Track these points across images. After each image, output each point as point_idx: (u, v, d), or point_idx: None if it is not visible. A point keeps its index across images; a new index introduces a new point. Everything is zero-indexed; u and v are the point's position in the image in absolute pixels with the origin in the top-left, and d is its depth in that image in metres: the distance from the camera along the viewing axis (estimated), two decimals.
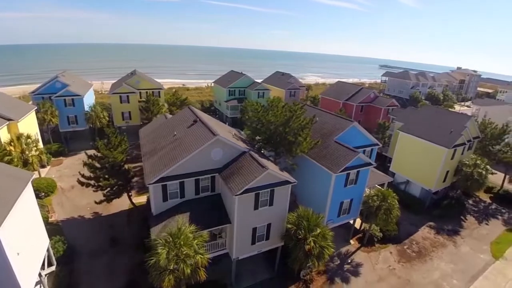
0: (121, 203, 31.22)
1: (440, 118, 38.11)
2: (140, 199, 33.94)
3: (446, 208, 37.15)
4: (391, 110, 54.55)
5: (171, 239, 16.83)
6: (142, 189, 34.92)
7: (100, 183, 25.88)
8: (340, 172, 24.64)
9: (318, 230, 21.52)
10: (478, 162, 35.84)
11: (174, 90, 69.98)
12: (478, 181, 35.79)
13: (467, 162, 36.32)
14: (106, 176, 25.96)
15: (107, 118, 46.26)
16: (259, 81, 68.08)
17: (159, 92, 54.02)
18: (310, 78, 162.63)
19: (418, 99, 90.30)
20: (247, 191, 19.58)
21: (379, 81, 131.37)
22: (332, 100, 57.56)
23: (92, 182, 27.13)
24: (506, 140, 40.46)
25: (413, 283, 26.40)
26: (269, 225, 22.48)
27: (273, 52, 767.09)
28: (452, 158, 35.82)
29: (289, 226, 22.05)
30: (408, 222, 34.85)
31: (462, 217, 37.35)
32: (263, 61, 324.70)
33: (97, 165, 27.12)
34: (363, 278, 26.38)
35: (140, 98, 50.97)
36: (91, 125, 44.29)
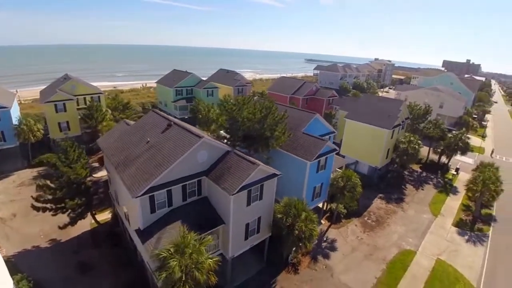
0: (81, 224, 27.95)
1: (378, 105, 43.86)
2: (103, 216, 31.01)
3: (390, 181, 43.37)
4: (331, 100, 60.18)
5: (177, 249, 16.30)
6: (101, 205, 31.76)
7: (64, 205, 22.91)
8: (314, 159, 26.80)
9: (304, 215, 23.23)
10: (412, 139, 42.59)
11: (115, 94, 63.99)
12: (413, 155, 42.54)
13: (403, 140, 42.79)
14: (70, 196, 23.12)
15: (42, 131, 40.07)
16: (204, 79, 67.04)
17: (99, 97, 48.95)
18: (246, 75, 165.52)
19: (347, 89, 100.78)
20: (241, 189, 19.98)
21: (309, 74, 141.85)
22: (279, 95, 60.45)
23: (49, 205, 23.84)
24: (429, 118, 48.84)
25: (379, 247, 30.50)
26: (259, 219, 23.28)
27: (203, 49, 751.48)
28: (391, 138, 41.82)
29: (279, 216, 23.20)
30: (362, 197, 39.49)
31: (403, 187, 44.05)
32: (194, 58, 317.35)
33: (52, 185, 23.93)
34: (340, 251, 29.40)
35: (78, 105, 45.44)
36: (23, 141, 37.81)
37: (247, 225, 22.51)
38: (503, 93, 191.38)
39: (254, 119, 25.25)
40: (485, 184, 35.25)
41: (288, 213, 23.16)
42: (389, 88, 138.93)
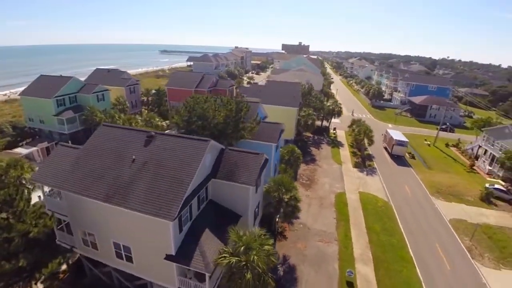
0: None
1: (281, 89, 51.65)
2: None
3: (301, 148, 53.09)
4: (231, 89, 64.55)
5: (247, 247, 17.09)
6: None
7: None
8: (277, 141, 30.87)
9: (294, 192, 27.14)
10: (310, 112, 53.23)
11: None
12: (312, 125, 53.49)
13: (303, 114, 52.85)
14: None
15: None
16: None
17: None
18: None
19: (224, 77, 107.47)
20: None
21: (181, 65, 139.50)
22: (182, 90, 59.19)
23: None
24: (313, 94, 61.34)
25: (323, 197, 38.80)
26: (259, 203, 25.58)
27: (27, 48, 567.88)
28: (298, 113, 50.90)
29: (275, 194, 26.14)
30: None
31: (309, 150, 54.88)
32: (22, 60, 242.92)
33: None
34: (303, 210, 34.42)
35: None
36: None
37: (254, 211, 24.45)
38: (330, 66, 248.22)
39: (229, 120, 26.23)
40: (365, 133, 49.79)
41: (279, 190, 26.54)
42: (252, 73, 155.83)
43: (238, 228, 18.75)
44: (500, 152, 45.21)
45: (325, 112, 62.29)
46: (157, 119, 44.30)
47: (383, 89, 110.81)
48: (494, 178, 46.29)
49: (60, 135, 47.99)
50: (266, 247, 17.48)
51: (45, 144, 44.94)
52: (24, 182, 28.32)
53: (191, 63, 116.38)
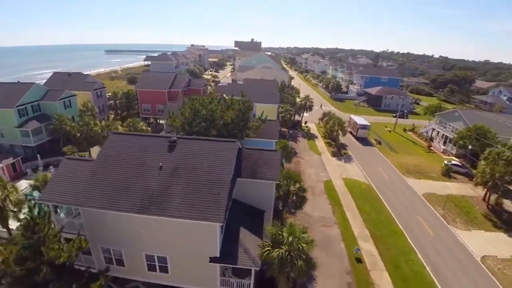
0: None
1: (260, 86, 53.08)
2: None
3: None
4: (206, 89, 64.03)
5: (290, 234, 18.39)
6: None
7: None
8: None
9: (302, 183, 29.03)
10: (287, 108, 55.62)
11: None
12: (290, 119, 56.04)
13: (282, 110, 55.08)
14: None
15: None
16: None
17: None
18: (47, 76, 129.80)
19: (198, 77, 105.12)
20: None
21: (137, 65, 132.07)
22: (155, 91, 57.05)
23: None
24: (286, 90, 63.81)
25: (313, 186, 41.35)
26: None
27: None
28: (278, 109, 52.87)
29: (284, 182, 27.58)
30: None
31: (289, 144, 57.40)
32: None
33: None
34: None
35: None
36: None
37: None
38: (284, 62, 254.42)
39: (238, 120, 26.90)
40: (339, 124, 53.85)
41: (289, 183, 28.18)
42: (210, 71, 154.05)
43: (274, 222, 19.87)
44: (452, 133, 52.77)
45: (297, 107, 65.40)
46: (141, 123, 42.43)
47: (334, 81, 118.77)
48: (448, 155, 53.89)
49: (25, 148, 43.36)
50: (305, 234, 18.94)
51: (10, 161, 40.07)
52: (10, 204, 25.78)
53: (149, 62, 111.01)
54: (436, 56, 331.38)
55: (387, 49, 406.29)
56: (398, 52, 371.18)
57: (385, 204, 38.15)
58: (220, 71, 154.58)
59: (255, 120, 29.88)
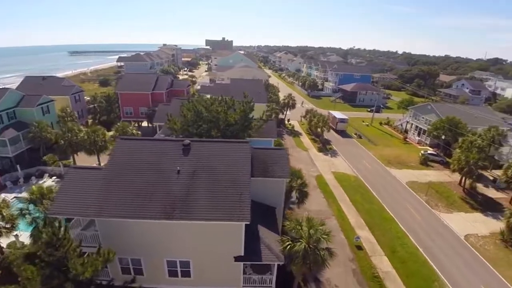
0: None
1: (246, 85, 53.52)
2: None
3: None
4: (188, 88, 63.28)
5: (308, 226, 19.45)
6: None
7: None
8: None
9: (303, 179, 30.31)
10: (273, 107, 56.80)
11: None
12: (276, 117, 57.24)
13: (268, 109, 56.01)
14: None
15: None
16: None
17: None
18: (7, 80, 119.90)
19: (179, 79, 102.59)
20: None
21: (108, 66, 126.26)
22: (138, 93, 55.35)
23: None
24: (269, 89, 64.88)
25: (309, 183, 43.06)
26: None
27: None
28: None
29: (290, 184, 28.71)
30: None
31: None
32: None
33: None
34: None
35: None
36: None
37: None
38: (257, 61, 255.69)
39: (242, 120, 27.45)
40: (323, 121, 56.10)
41: (292, 179, 29.29)
42: (184, 71, 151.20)
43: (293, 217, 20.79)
44: (426, 125, 57.14)
45: (281, 105, 66.89)
46: (130, 128, 41.20)
47: (310, 79, 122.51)
48: (423, 146, 58.28)
49: (1, 159, 40.36)
50: (323, 226, 20.11)
51: None
52: (1, 221, 24.39)
53: (122, 63, 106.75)
54: (400, 52, 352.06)
55: (354, 46, 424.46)
56: (365, 49, 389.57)
57: (374, 194, 40.67)
58: (194, 70, 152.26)
59: (257, 120, 30.54)
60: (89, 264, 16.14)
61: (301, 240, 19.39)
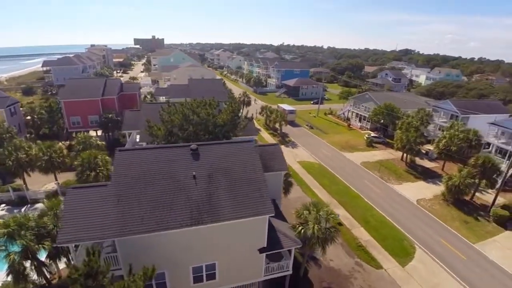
0: None
1: (208, 86, 53.67)
2: None
3: None
4: (139, 92, 60.02)
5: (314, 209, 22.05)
6: None
7: None
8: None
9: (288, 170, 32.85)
10: (234, 105, 57.92)
11: None
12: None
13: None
14: None
15: None
16: None
17: None
18: None
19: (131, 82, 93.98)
20: None
21: (23, 72, 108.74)
22: (86, 100, 50.32)
23: None
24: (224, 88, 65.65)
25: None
26: None
27: None
28: None
29: None
30: None
31: None
32: None
33: None
34: None
35: None
36: None
37: None
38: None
39: (231, 121, 28.39)
40: (281, 116, 59.86)
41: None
42: (117, 72, 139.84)
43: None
44: (366, 112, 65.65)
45: (240, 101, 68.53)
46: (94, 138, 37.65)
47: (255, 76, 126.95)
48: (365, 130, 66.89)
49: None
50: (327, 208, 22.97)
51: None
52: None
53: (48, 68, 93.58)
54: (325, 47, 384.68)
55: (283, 43, 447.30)
56: (294, 45, 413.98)
57: (338, 176, 45.85)
58: (128, 71, 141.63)
59: (242, 119, 31.76)
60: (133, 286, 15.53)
61: (309, 223, 21.88)
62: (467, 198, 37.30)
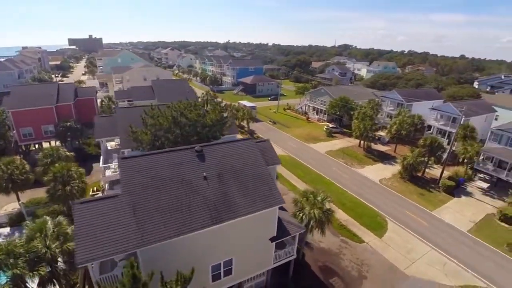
0: None
1: (174, 87, 52.70)
2: None
3: None
4: (96, 94, 56.07)
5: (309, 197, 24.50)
6: None
7: None
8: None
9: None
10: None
11: None
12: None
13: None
14: None
15: None
16: None
17: None
18: None
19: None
20: None
21: None
22: (38, 109, 45.43)
23: None
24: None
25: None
26: None
27: None
28: None
29: None
30: None
31: None
32: None
33: None
34: None
35: None
36: None
37: None
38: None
39: (220, 121, 29.14)
40: (248, 113, 61.65)
41: None
42: (55, 76, 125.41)
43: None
44: (322, 105, 71.01)
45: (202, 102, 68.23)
46: (62, 150, 34.51)
47: (210, 74, 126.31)
48: (323, 122, 72.39)
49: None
50: (322, 193, 25.66)
51: None
52: None
53: None
54: (270, 44, 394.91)
55: (229, 40, 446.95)
56: (240, 42, 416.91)
57: (309, 166, 49.57)
58: (68, 75, 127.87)
59: (228, 118, 32.61)
60: None
61: (305, 209, 24.30)
62: (420, 174, 44.03)
